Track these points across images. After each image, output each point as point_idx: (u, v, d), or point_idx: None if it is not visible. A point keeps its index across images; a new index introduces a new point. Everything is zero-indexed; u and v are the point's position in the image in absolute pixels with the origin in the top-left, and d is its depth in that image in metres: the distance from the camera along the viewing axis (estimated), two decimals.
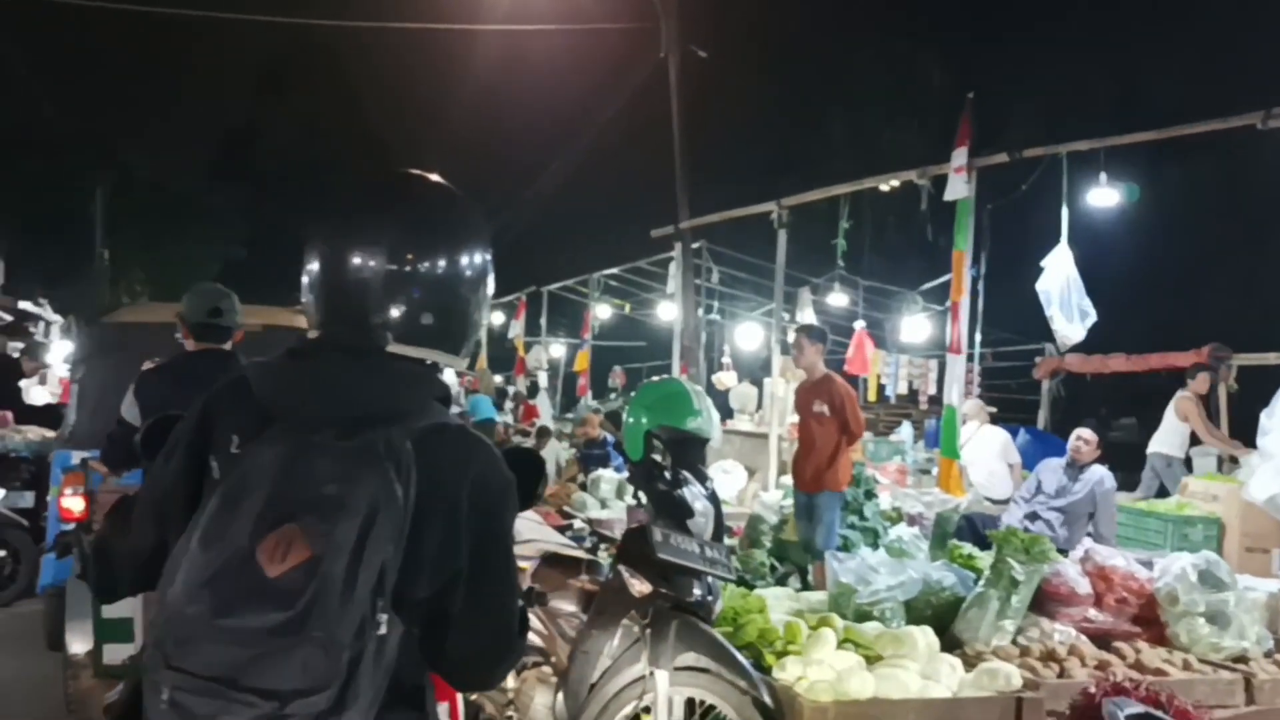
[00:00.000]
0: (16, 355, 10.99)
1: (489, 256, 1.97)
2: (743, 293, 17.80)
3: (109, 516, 2.12)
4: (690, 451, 4.32)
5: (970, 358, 11.63)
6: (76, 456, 6.15)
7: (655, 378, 6.03)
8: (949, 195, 9.59)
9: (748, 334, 15.87)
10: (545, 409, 19.88)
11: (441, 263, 1.89)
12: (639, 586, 4.14)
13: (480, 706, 4.63)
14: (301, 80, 31.09)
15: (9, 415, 11.09)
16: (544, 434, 14.20)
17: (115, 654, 5.01)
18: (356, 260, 1.85)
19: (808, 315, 14.31)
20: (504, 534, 1.87)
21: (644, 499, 4.34)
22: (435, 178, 1.98)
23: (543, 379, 22.28)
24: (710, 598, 4.21)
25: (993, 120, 10.33)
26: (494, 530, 1.83)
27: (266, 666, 1.54)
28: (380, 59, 26.24)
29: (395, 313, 1.85)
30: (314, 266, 1.89)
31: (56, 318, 19.86)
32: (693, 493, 4.31)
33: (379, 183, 2.03)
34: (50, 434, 9.87)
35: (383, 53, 25.66)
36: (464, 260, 1.92)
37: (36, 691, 5.80)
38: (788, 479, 11.11)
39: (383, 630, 1.64)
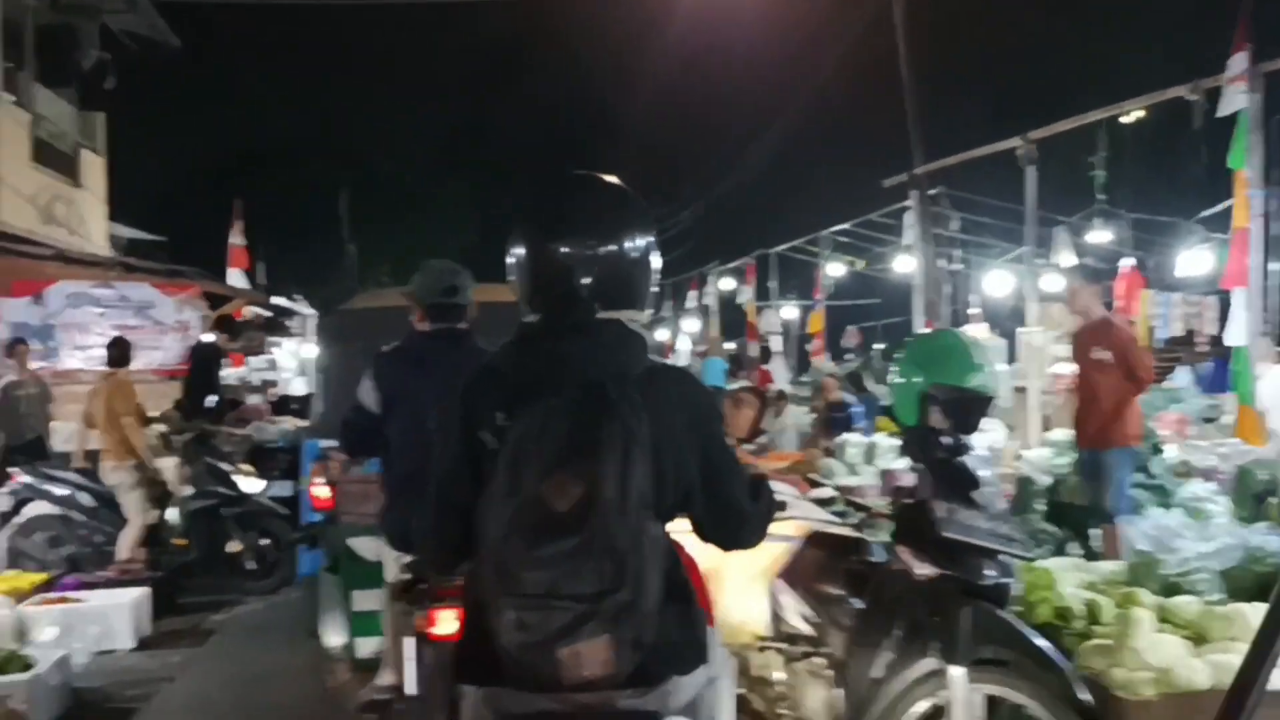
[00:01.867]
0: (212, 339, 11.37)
1: (654, 233, 2.43)
2: (988, 238, 16.69)
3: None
4: (972, 412, 3.75)
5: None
6: (324, 445, 6.12)
7: (925, 330, 5.43)
8: (1224, 109, 8.47)
9: (997, 282, 14.84)
10: (780, 373, 19.42)
11: (625, 243, 2.36)
12: (922, 569, 3.63)
13: (749, 700, 4.24)
14: (519, 61, 31.59)
15: (266, 408, 11.53)
16: (781, 398, 13.71)
17: (366, 647, 4.91)
18: (562, 251, 2.33)
19: (1066, 256, 13.19)
20: (720, 435, 2.41)
21: (920, 468, 3.81)
22: (609, 177, 2.44)
23: (775, 343, 21.79)
24: (1006, 579, 3.64)
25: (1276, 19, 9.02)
26: (711, 436, 2.36)
27: (573, 578, 2.00)
28: (596, 32, 26.17)
29: (596, 287, 2.32)
30: (525, 259, 2.37)
31: (312, 312, 20.85)
32: (976, 460, 3.75)
33: (571, 185, 2.46)
34: (303, 424, 10.18)
35: (599, 25, 25.59)
36: (641, 239, 2.39)
37: (297, 681, 5.83)
38: (1052, 434, 10.23)
39: (652, 535, 2.11)
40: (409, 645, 3.74)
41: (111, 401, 8.27)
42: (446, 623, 3.47)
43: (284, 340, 19.74)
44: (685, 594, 2.29)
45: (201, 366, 10.53)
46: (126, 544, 8.15)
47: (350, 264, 28.79)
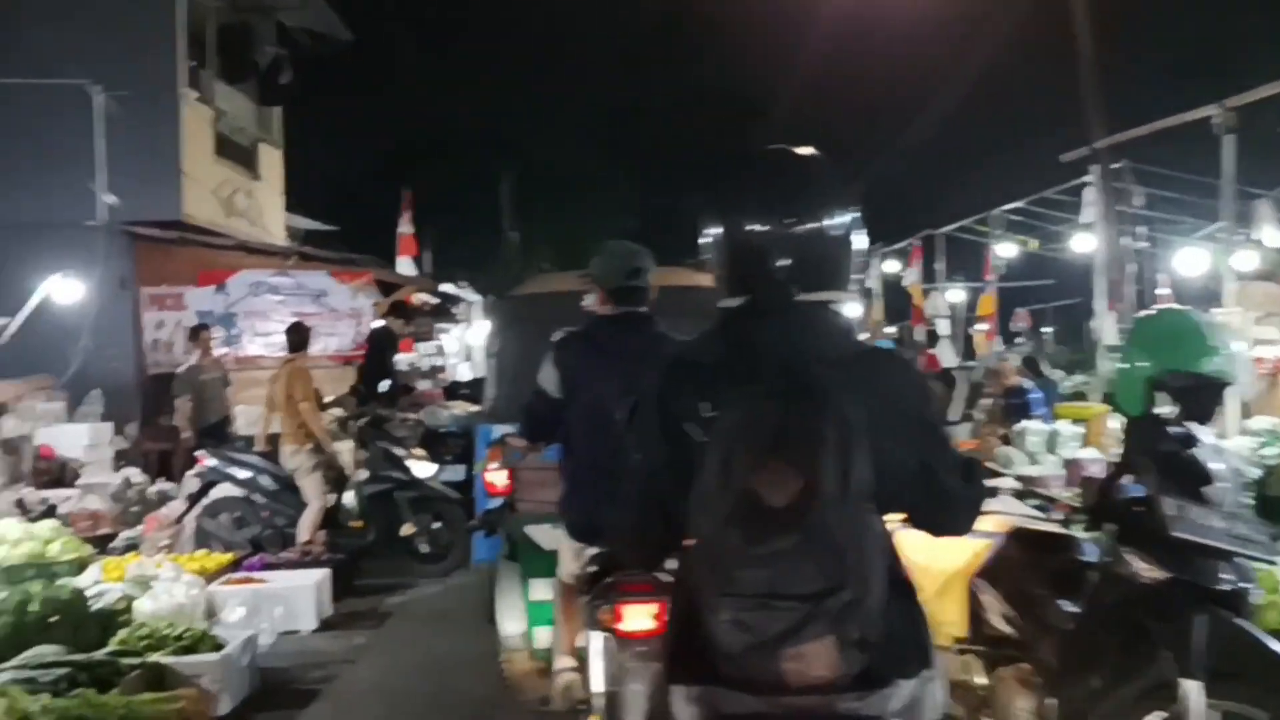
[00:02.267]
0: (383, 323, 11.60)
1: (857, 208, 2.27)
2: (1177, 214, 15.72)
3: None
4: (1206, 400, 3.41)
5: None
6: (498, 431, 6.09)
7: (1150, 310, 5.05)
8: None
9: (1188, 260, 13.94)
10: (946, 358, 18.85)
11: (825, 219, 2.21)
12: (1148, 572, 3.31)
13: (949, 706, 3.98)
14: (675, 41, 31.47)
15: (438, 393, 11.71)
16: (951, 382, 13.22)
17: (544, 637, 4.84)
18: (760, 231, 2.20)
19: (1270, 232, 12.29)
20: (935, 419, 2.32)
21: (1143, 461, 3.48)
22: (805, 149, 2.29)
23: (942, 327, 21.15)
24: (1244, 584, 3.30)
25: None
26: (925, 418, 2.24)
27: (794, 577, 1.89)
28: (753, 6, 25.72)
29: (797, 269, 2.19)
30: (721, 241, 2.26)
31: (476, 298, 21.24)
32: (1206, 452, 3.41)
33: (763, 161, 2.33)
34: (474, 408, 10.28)
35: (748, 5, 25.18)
36: (841, 215, 2.24)
37: (477, 668, 5.81)
38: (1254, 422, 9.55)
39: (874, 528, 2.00)
40: (594, 640, 3.63)
41: (289, 386, 8.48)
42: (635, 618, 3.35)
43: (451, 326, 20.12)
44: (908, 591, 2.20)
45: (376, 351, 10.75)
46: (307, 526, 8.36)
47: (512, 250, 29.24)
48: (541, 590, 4.80)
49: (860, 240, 2.28)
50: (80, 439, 10.58)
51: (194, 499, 8.87)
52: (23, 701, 4.23)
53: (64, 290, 11.50)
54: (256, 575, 7.20)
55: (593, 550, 3.83)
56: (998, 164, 21.71)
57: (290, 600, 6.85)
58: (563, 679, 4.07)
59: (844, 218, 2.25)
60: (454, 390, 13.21)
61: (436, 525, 8.60)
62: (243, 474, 8.73)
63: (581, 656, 3.92)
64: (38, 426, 10.49)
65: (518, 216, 29.85)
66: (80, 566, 6.87)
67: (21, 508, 8.61)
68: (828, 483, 1.91)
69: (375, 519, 8.68)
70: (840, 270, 2.26)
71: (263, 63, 16.51)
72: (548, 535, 4.72)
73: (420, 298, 17.41)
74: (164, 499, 9.62)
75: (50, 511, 8.60)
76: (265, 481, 8.70)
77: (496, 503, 5.82)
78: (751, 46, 28.43)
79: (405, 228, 18.59)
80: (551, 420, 4.22)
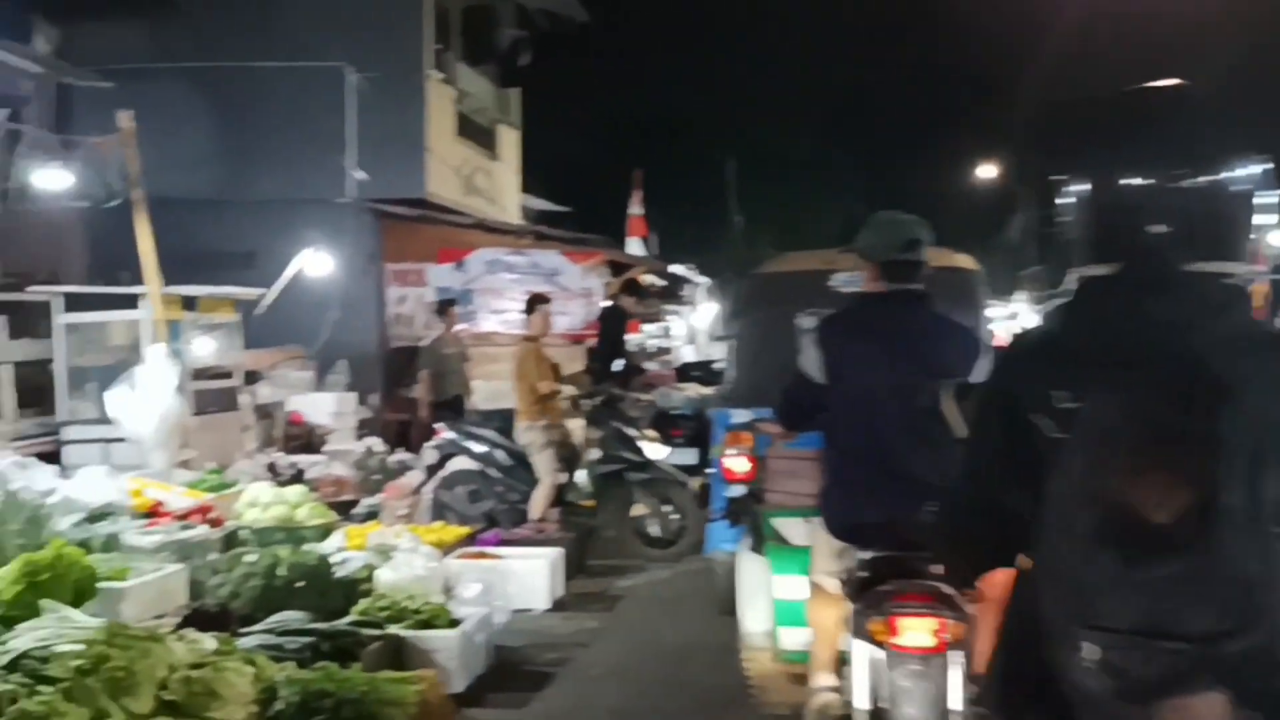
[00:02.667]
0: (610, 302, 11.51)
1: (1259, 153, 1.86)
2: None
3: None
4: None
5: None
6: (739, 415, 5.81)
7: None
8: None
9: None
10: None
11: (1222, 171, 1.82)
12: None
13: None
14: (896, 22, 30.56)
15: (671, 374, 11.58)
16: None
17: (791, 639, 4.52)
18: (1140, 187, 1.83)
19: None
20: None
21: None
22: (1176, 82, 1.91)
23: None
24: None
25: None
26: None
27: (1181, 612, 1.55)
28: None
29: (1185, 232, 1.80)
30: (1086, 199, 1.87)
31: (702, 280, 21.11)
32: None
33: (1138, 101, 1.93)
34: (706, 391, 10.07)
35: None
36: (1241, 164, 1.83)
37: (712, 659, 5.58)
38: None
39: None
40: (860, 651, 3.29)
41: (521, 365, 8.47)
42: (913, 632, 3.00)
43: (678, 308, 20.06)
44: None
45: (609, 331, 10.70)
46: (538, 503, 8.33)
47: (737, 232, 29.05)
48: (789, 588, 4.48)
49: (1271, 201, 1.86)
50: (327, 407, 11.00)
51: (432, 470, 9.01)
52: (269, 670, 4.25)
53: (315, 264, 11.98)
54: (491, 551, 7.18)
55: (860, 553, 3.48)
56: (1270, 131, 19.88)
57: (524, 578, 6.78)
58: (821, 699, 3.73)
59: (1248, 169, 1.83)
60: (685, 372, 13.07)
61: (667, 508, 8.41)
62: (479, 448, 8.78)
63: (843, 663, 3.59)
64: (289, 394, 10.96)
65: (743, 198, 29.64)
66: (325, 532, 7.00)
67: (273, 471, 8.96)
68: (1230, 498, 1.57)
69: (606, 499, 8.58)
70: (1240, 236, 1.85)
71: (503, 45, 16.82)
72: (799, 530, 4.41)
73: (648, 279, 17.38)
74: (403, 469, 9.84)
75: (298, 476, 8.91)
76: (500, 456, 8.72)
77: (737, 490, 5.54)
78: (981, 17, 27.06)
79: (635, 209, 18.62)
80: (812, 407, 3.87)
